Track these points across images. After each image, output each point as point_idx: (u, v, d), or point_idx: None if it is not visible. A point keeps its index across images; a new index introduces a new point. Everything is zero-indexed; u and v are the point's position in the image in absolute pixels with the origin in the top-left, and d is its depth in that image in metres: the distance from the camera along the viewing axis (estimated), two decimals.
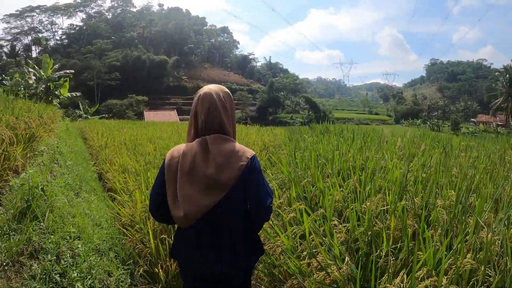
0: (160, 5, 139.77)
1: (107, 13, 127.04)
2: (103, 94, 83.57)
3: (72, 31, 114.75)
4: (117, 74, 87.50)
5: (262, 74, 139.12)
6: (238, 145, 2.43)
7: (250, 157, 2.36)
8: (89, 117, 44.44)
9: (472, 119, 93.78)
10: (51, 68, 30.66)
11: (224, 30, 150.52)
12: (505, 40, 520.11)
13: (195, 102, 2.47)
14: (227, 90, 2.57)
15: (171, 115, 64.46)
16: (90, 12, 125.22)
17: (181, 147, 2.42)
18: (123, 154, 8.29)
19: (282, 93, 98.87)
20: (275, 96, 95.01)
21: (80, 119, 40.63)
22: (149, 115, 62.58)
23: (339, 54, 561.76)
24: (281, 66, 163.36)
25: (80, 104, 50.33)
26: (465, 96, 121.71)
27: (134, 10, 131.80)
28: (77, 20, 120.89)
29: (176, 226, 2.65)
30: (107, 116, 51.78)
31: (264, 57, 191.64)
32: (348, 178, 4.90)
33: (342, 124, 16.90)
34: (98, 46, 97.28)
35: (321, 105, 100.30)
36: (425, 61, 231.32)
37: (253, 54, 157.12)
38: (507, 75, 68.03)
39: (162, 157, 7.48)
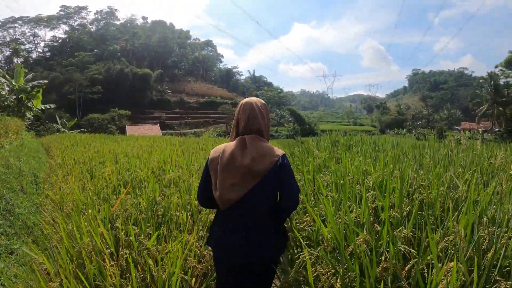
0: (144, 18, 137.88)
1: (90, 26, 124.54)
2: (85, 108, 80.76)
3: (55, 44, 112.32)
4: (99, 88, 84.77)
5: (246, 88, 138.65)
6: (271, 146, 2.74)
7: (281, 155, 2.67)
8: (66, 131, 42.13)
9: (456, 127, 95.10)
10: (23, 78, 28.68)
11: (208, 43, 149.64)
12: (484, 49, 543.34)
13: (237, 110, 2.85)
14: (264, 102, 2.92)
15: (153, 130, 62.54)
16: (73, 24, 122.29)
17: (222, 146, 2.74)
18: (71, 180, 6.24)
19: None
20: None
21: (58, 133, 38.32)
22: (131, 130, 60.70)
23: (322, 67, 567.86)
24: (265, 79, 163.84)
25: (57, 117, 48.42)
26: (448, 104, 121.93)
27: (118, 23, 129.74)
28: (60, 32, 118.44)
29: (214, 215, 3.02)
30: (86, 130, 49.47)
31: (248, 71, 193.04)
32: (424, 228, 2.83)
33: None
34: (80, 58, 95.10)
35: (306, 117, 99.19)
36: (408, 72, 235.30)
37: (237, 68, 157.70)
38: (492, 82, 68.25)
39: (119, 182, 5.68)
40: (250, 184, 2.57)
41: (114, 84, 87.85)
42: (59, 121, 47.69)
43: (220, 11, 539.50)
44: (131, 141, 15.88)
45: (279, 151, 2.68)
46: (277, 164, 2.61)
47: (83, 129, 50.25)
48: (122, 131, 61.50)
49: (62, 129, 44.56)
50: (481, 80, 77.44)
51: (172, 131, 70.98)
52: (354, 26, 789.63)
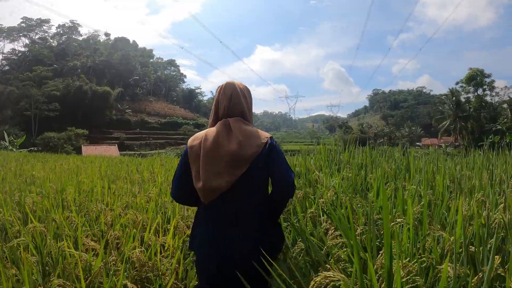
0: (107, 34, 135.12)
1: (52, 40, 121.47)
2: (41, 126, 77.65)
3: (14, 57, 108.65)
4: (56, 105, 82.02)
5: (209, 108, 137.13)
6: (257, 129, 2.53)
7: (268, 137, 2.47)
8: (14, 149, 39.65)
9: (418, 143, 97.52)
10: None
11: (171, 63, 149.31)
12: (439, 70, 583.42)
13: (217, 92, 2.62)
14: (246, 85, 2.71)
15: (110, 150, 60.72)
16: (34, 37, 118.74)
17: (203, 132, 2.49)
18: None
19: None
20: None
21: (5, 151, 35.97)
22: (87, 150, 58.87)
23: (284, 88, 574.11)
24: None
25: (5, 134, 45.72)
26: (408, 122, 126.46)
27: (80, 38, 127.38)
28: (19, 45, 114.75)
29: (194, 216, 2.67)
30: (37, 149, 46.98)
31: (211, 91, 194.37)
32: None
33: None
34: (38, 73, 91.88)
35: None
36: (368, 92, 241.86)
37: (200, 88, 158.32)
38: (454, 98, 71.69)
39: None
40: (238, 172, 2.33)
41: (72, 102, 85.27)
42: (7, 139, 44.95)
43: (185, 31, 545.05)
44: (64, 160, 14.58)
45: (266, 134, 2.50)
46: (266, 146, 2.41)
47: (33, 148, 47.91)
48: (79, 151, 59.64)
49: (10, 147, 41.92)
50: (443, 97, 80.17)
51: (132, 152, 69.23)
52: (315, 49, 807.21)
